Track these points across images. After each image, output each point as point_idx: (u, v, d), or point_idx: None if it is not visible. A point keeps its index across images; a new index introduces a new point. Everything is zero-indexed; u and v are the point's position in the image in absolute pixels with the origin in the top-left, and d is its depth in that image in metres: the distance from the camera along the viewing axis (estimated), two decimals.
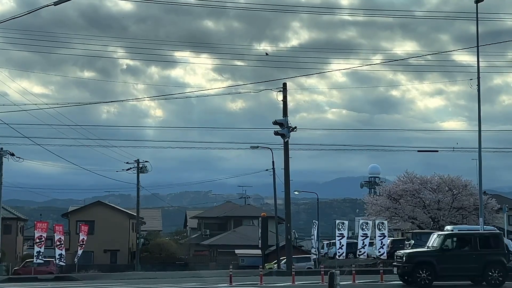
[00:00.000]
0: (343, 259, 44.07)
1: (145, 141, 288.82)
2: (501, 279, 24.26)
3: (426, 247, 26.87)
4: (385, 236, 41.87)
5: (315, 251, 53.24)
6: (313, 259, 53.40)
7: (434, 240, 25.99)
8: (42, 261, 45.52)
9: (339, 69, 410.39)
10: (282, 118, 38.67)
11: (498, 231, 27.28)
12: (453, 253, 24.80)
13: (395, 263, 25.78)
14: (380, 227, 41.77)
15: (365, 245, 42.77)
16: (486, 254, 24.62)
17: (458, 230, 29.46)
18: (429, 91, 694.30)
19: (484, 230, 30.46)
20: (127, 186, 65.79)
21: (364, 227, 43.67)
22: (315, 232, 52.02)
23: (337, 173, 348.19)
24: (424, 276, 24.15)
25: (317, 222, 53.26)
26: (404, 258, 25.01)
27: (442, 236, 25.80)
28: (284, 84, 39.51)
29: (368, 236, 43.10)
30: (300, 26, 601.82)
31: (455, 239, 25.77)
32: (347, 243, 47.55)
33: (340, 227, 44.97)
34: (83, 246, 51.39)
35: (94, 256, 67.03)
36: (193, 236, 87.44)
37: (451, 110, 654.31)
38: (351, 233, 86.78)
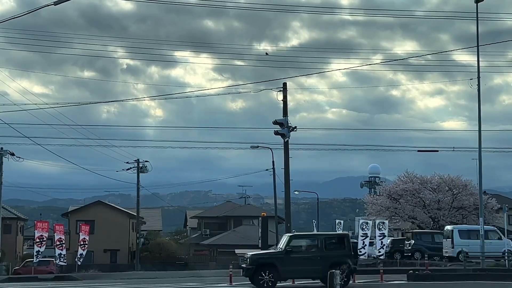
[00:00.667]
0: None
1: (145, 141, 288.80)
2: (346, 279, 24.19)
3: (274, 248, 26.95)
4: (385, 236, 41.88)
5: None
6: None
7: (282, 242, 25.89)
8: (43, 259, 45.54)
9: (339, 69, 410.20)
10: (282, 118, 38.61)
11: (346, 233, 27.24)
12: (298, 255, 24.74)
13: (243, 265, 25.55)
14: (381, 227, 41.78)
15: (365, 245, 42.88)
16: (331, 256, 24.55)
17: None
18: (429, 91, 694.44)
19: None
20: (127, 186, 65.86)
21: (364, 227, 43.80)
22: (315, 231, 52.07)
23: (337, 173, 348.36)
24: (266, 278, 24.05)
25: (315, 221, 53.27)
26: (248, 260, 24.98)
27: (287, 238, 25.71)
28: (284, 84, 39.49)
29: (368, 236, 43.22)
30: (300, 26, 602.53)
31: (300, 240, 25.89)
32: None
33: (339, 227, 45.27)
34: (86, 246, 51.24)
35: (94, 256, 67.01)
36: (193, 236, 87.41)
37: (451, 110, 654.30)
38: (351, 232, 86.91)
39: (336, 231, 45.81)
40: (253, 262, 24.64)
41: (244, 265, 25.30)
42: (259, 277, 24.08)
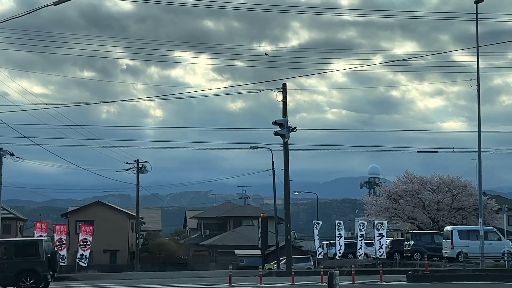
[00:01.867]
0: (343, 259, 44.20)
1: (145, 141, 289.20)
2: (34, 286, 24.06)
3: None
4: (383, 236, 41.83)
5: (319, 251, 52.68)
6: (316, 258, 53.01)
7: None
8: None
9: (339, 69, 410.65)
10: (282, 118, 38.70)
11: (39, 239, 27.09)
12: None
13: None
14: (379, 227, 41.77)
15: (362, 245, 42.98)
16: (20, 262, 24.39)
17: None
18: (429, 91, 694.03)
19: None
20: (127, 186, 65.81)
21: (361, 227, 43.90)
22: (317, 231, 51.96)
23: (337, 173, 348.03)
24: None
25: (318, 222, 53.05)
26: None
27: None
28: (284, 84, 39.57)
29: (364, 237, 43.32)
30: (300, 26, 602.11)
31: None
32: (347, 244, 47.61)
33: (339, 227, 45.27)
34: (88, 246, 50.92)
35: (94, 256, 66.95)
36: (193, 236, 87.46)
37: (451, 111, 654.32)
38: (351, 233, 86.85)
39: (337, 232, 45.71)
40: None
41: None
42: None
